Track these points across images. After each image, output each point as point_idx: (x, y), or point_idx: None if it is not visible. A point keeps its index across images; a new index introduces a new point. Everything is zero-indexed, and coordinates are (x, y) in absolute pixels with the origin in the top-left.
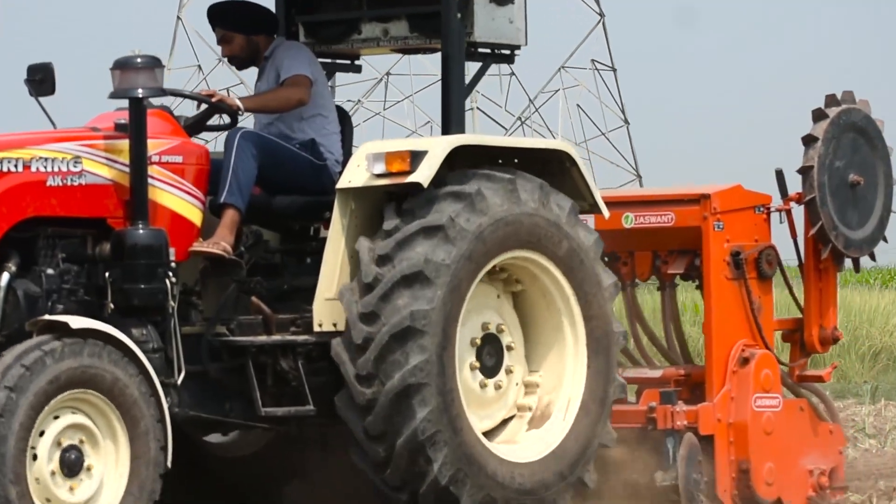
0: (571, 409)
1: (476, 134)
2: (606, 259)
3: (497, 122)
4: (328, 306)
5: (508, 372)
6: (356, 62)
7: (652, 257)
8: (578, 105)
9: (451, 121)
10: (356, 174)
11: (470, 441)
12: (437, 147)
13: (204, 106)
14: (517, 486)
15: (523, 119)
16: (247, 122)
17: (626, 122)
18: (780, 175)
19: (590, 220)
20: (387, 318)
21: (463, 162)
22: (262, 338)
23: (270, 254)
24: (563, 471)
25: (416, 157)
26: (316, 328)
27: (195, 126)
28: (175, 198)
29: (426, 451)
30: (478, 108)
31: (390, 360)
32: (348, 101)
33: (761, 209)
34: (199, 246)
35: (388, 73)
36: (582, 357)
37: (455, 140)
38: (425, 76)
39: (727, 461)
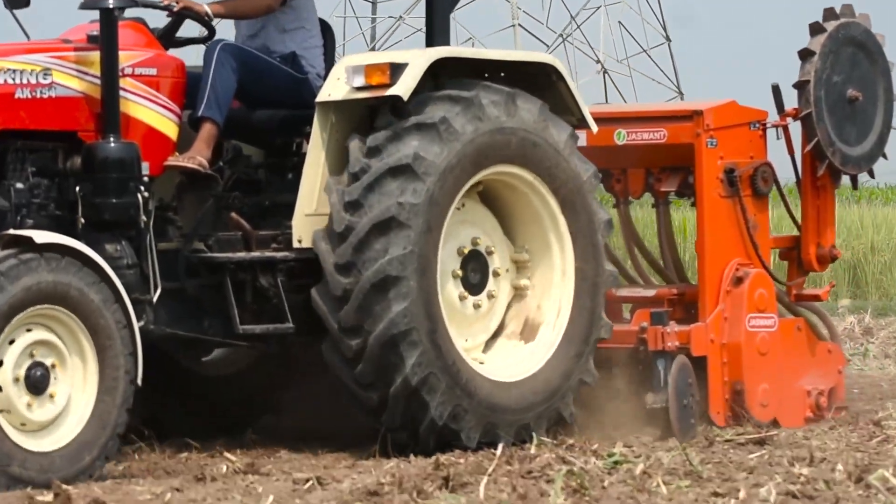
0: (554, 338)
1: (460, 47)
2: (600, 176)
3: (539, 39)
4: (308, 222)
5: (496, 274)
6: None
7: (645, 174)
8: (620, 22)
9: (436, 33)
10: (336, 87)
11: (446, 347)
12: (419, 59)
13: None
14: (490, 402)
15: (565, 36)
16: (229, 36)
17: (668, 38)
18: (776, 90)
19: (582, 136)
20: (370, 207)
21: (450, 77)
22: (241, 254)
23: (251, 169)
24: (540, 398)
25: (396, 69)
26: (296, 244)
27: (169, 38)
28: (149, 111)
29: (399, 347)
30: (519, 24)
31: (370, 250)
32: (389, 17)
33: (757, 125)
34: (175, 160)
35: None
36: (568, 292)
37: (436, 52)
38: None
39: (721, 382)
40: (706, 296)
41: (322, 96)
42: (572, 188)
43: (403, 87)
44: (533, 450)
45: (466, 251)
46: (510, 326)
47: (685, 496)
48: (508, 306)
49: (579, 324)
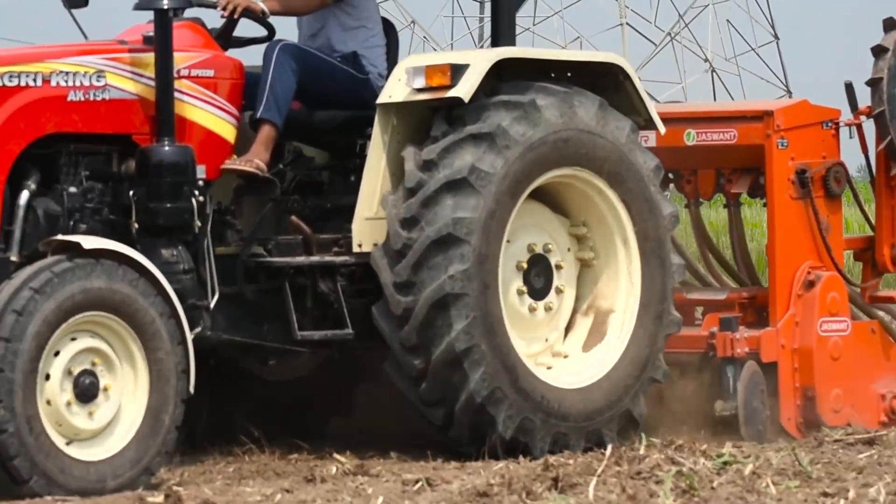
0: (622, 339)
1: (524, 47)
2: (671, 176)
3: (646, 38)
4: (368, 225)
5: (559, 291)
6: None
7: (715, 175)
8: (728, 20)
9: (501, 33)
10: (397, 89)
11: (510, 360)
12: (480, 60)
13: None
14: (560, 412)
15: (673, 35)
16: (291, 37)
17: (776, 37)
18: (849, 88)
19: (651, 137)
20: (428, 223)
21: (515, 78)
22: (299, 258)
23: (312, 171)
24: (610, 401)
25: (456, 70)
26: (355, 248)
27: (227, 37)
28: (205, 113)
29: (462, 365)
30: (627, 23)
31: (428, 268)
32: None
33: (829, 124)
34: (232, 163)
35: None
36: (635, 288)
37: (498, 53)
38: None
39: (792, 388)
40: (777, 300)
41: (383, 97)
42: (634, 182)
43: (465, 89)
44: (642, 450)
45: (536, 250)
46: (580, 323)
47: (794, 496)
48: (577, 298)
49: (647, 320)
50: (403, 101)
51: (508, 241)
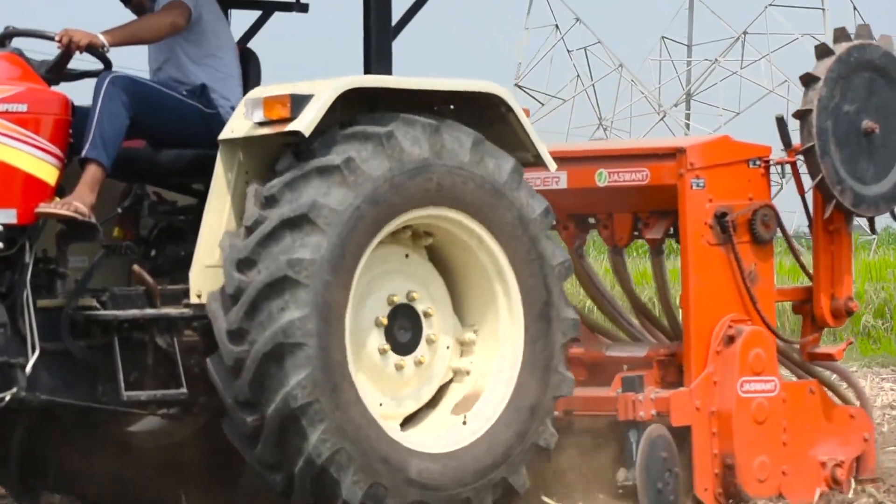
0: (500, 399)
1: (380, 76)
2: (592, 221)
3: None
4: (210, 274)
5: (430, 342)
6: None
7: (632, 219)
8: None
9: (373, 61)
10: (238, 123)
11: (358, 419)
12: (325, 90)
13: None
14: (418, 479)
15: None
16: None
17: None
18: (780, 122)
19: (562, 177)
20: (264, 265)
21: (387, 110)
22: (129, 311)
23: (175, 216)
24: (481, 469)
25: (297, 102)
26: (194, 299)
27: (59, 71)
28: (15, 151)
29: (300, 422)
30: None
31: (263, 314)
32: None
33: (757, 163)
34: (46, 207)
35: (745, 33)
36: (517, 345)
37: (347, 82)
38: (783, 35)
39: (709, 456)
40: (692, 357)
41: (225, 133)
42: (517, 227)
43: (305, 122)
44: None
45: (397, 301)
46: (447, 397)
47: None
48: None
49: (531, 380)
50: (246, 137)
51: (378, 283)
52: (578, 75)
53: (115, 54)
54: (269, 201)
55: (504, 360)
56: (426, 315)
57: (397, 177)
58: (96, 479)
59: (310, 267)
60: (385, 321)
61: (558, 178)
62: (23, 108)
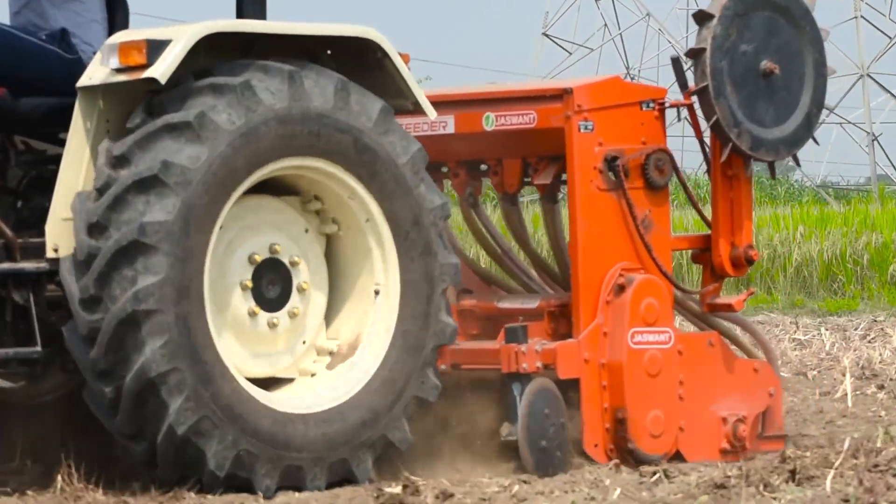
0: (375, 353)
1: (243, 20)
2: (485, 168)
3: (882, 32)
4: (67, 228)
5: (302, 290)
6: None
7: (522, 165)
8: None
9: (245, 5)
10: (96, 70)
11: (222, 384)
12: (184, 36)
13: None
14: (290, 442)
15: None
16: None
17: None
18: (675, 62)
19: (449, 121)
20: (114, 230)
21: (258, 57)
22: None
23: (44, 166)
24: (358, 428)
25: (154, 48)
26: (50, 253)
27: None
28: None
29: (159, 392)
30: (862, 16)
31: (116, 281)
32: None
33: (651, 105)
34: None
35: None
36: (394, 294)
37: (207, 27)
38: None
39: (599, 410)
40: (580, 308)
41: (83, 80)
42: (387, 173)
43: (161, 69)
44: (879, 443)
45: (260, 259)
46: (322, 356)
47: None
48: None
49: (408, 331)
50: (103, 84)
51: (236, 241)
52: (606, 24)
53: None
54: (120, 161)
55: (379, 310)
56: (293, 264)
57: (253, 128)
58: None
59: (162, 230)
60: (250, 283)
61: (445, 123)
62: None
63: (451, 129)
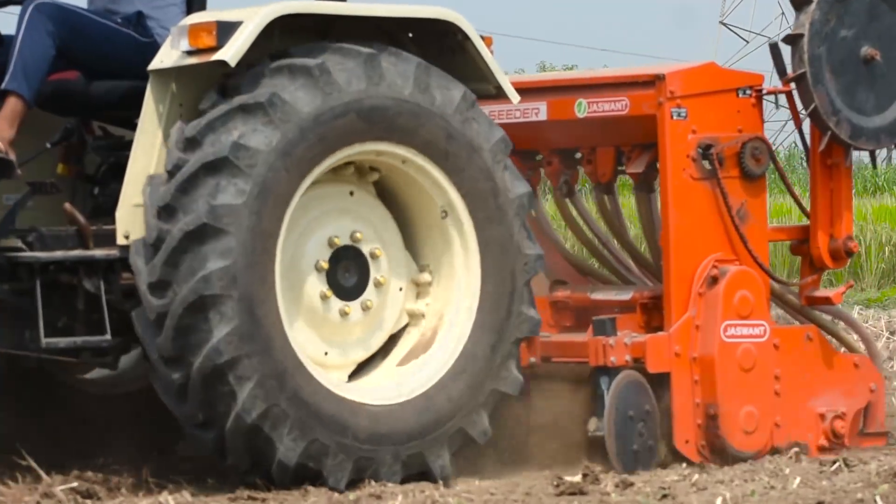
0: (454, 345)
1: (318, 1)
2: (579, 157)
3: None
4: (139, 214)
5: (379, 284)
6: None
7: (615, 153)
8: None
9: None
10: (167, 53)
11: (293, 372)
12: (254, 18)
13: None
14: (363, 434)
15: None
16: None
17: None
18: (773, 48)
19: (542, 108)
20: (184, 213)
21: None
22: (48, 253)
23: (103, 152)
24: (434, 420)
25: (224, 29)
26: (121, 240)
27: None
28: None
29: (227, 379)
30: None
31: (184, 265)
32: None
33: (747, 92)
34: None
35: None
36: (472, 286)
37: (277, 9)
38: None
39: (690, 405)
40: (672, 300)
41: (154, 63)
42: (468, 160)
43: (232, 52)
44: None
45: (339, 243)
46: (401, 345)
47: None
48: (401, 330)
49: (488, 323)
50: (174, 67)
51: (302, 236)
52: (783, 13)
53: None
54: (191, 143)
55: (461, 301)
56: (373, 256)
57: (329, 112)
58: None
59: (232, 213)
60: (326, 265)
61: (538, 110)
62: None
63: (543, 117)
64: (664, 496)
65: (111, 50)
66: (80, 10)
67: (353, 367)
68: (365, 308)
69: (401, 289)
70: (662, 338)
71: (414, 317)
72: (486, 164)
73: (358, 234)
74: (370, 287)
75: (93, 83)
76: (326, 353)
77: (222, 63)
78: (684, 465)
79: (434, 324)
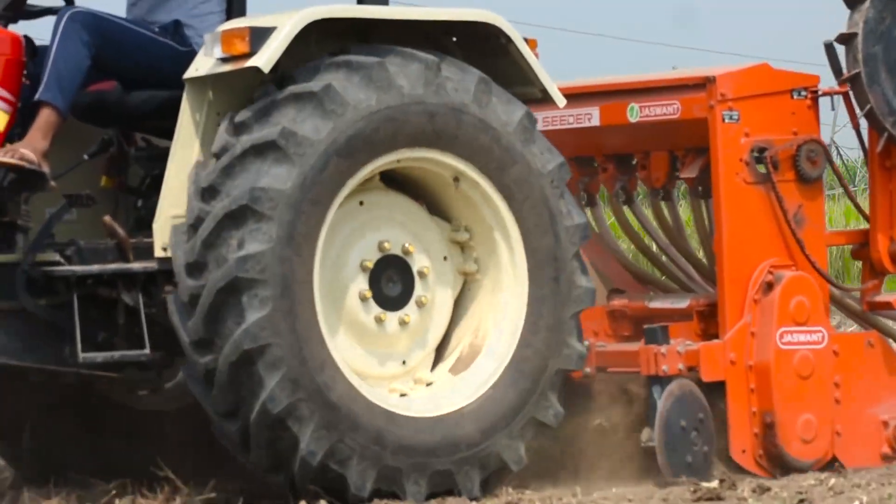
0: (494, 370)
1: (352, 5)
2: (634, 163)
3: None
4: (174, 225)
5: (421, 304)
6: None
7: (669, 158)
8: None
9: None
10: (202, 60)
11: (323, 369)
12: (288, 22)
13: None
14: (390, 442)
15: None
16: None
17: None
18: (829, 48)
19: (595, 113)
20: (226, 193)
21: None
22: (84, 267)
23: (146, 163)
24: (468, 439)
25: (257, 35)
26: (158, 252)
27: (16, 7)
28: None
29: (287, 425)
30: None
31: (220, 246)
32: None
33: (802, 93)
34: None
35: None
36: (521, 304)
37: (310, 14)
38: None
39: (746, 414)
40: (726, 307)
41: (190, 72)
42: (526, 183)
43: (265, 58)
44: None
45: (388, 249)
46: (452, 346)
47: None
48: (459, 316)
49: (532, 353)
50: (209, 75)
51: (349, 233)
52: None
53: None
54: (241, 128)
55: (505, 324)
56: (421, 275)
57: (386, 109)
58: (88, 446)
59: (275, 197)
60: (371, 265)
61: (591, 115)
62: None
63: (596, 122)
64: (801, 501)
65: (148, 59)
66: (116, 18)
67: (388, 377)
68: (402, 322)
69: (444, 308)
70: (717, 345)
71: (457, 334)
72: (542, 190)
73: (409, 247)
74: (411, 303)
75: (131, 93)
76: (361, 357)
77: (257, 70)
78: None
79: (476, 342)
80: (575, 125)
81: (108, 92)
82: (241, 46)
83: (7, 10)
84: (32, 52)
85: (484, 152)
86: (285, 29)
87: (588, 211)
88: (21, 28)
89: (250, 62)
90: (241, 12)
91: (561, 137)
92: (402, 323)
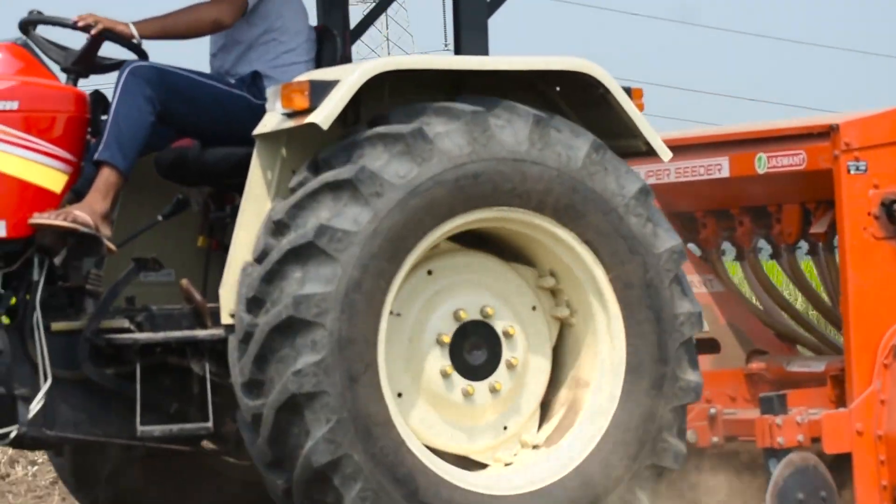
0: (601, 419)
1: (423, 56)
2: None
3: None
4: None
5: (511, 366)
6: None
7: (800, 211)
8: None
9: (464, 41)
10: (270, 116)
11: (406, 467)
12: (350, 75)
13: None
14: None
15: None
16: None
17: None
18: None
19: (724, 164)
20: (270, 305)
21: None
22: (152, 334)
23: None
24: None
25: (318, 90)
26: (226, 320)
27: (88, 62)
28: (5, 155)
29: (331, 482)
30: None
31: (274, 362)
32: None
33: None
34: (40, 217)
35: None
36: (618, 351)
37: (374, 66)
38: None
39: (876, 488)
40: (854, 373)
41: (259, 128)
42: (599, 216)
43: (323, 114)
44: None
45: (465, 317)
46: (558, 403)
47: None
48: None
49: (639, 390)
50: (275, 131)
51: (429, 308)
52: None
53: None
54: (280, 227)
55: (602, 367)
56: (507, 335)
57: (428, 182)
58: None
59: (321, 303)
60: (448, 339)
61: (720, 166)
62: (13, 105)
63: (725, 173)
64: None
65: (221, 113)
66: (183, 71)
67: (484, 448)
68: (493, 390)
69: (533, 308)
70: (842, 414)
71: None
72: (620, 218)
73: (489, 310)
74: (501, 369)
75: (207, 150)
76: (441, 433)
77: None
78: None
79: (577, 397)
80: (705, 176)
81: (188, 149)
82: (301, 101)
83: (77, 65)
84: (105, 108)
85: (548, 195)
86: (347, 83)
87: (738, 266)
88: (93, 82)
89: (309, 118)
90: (332, 61)
91: (695, 189)
92: (493, 390)
